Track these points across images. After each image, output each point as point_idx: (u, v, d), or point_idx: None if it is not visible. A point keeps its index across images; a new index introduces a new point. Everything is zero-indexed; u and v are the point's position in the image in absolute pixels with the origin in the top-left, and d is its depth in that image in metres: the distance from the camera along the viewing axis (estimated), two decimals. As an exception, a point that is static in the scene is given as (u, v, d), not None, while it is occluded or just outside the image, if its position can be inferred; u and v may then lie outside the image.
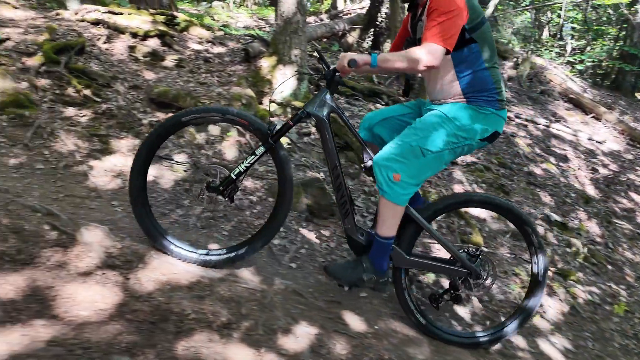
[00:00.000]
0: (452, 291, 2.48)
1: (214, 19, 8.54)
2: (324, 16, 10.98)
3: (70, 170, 2.88)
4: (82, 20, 4.62)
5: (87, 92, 3.51)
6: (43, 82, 3.47)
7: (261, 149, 2.31)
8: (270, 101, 3.99)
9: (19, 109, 3.17)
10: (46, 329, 1.67)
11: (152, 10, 5.27)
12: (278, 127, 2.31)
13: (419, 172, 2.16)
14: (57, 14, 4.75)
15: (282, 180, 2.35)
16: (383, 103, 5.05)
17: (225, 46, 5.12)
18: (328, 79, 2.28)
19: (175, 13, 5.50)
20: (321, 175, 3.48)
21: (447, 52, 1.99)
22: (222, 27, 6.44)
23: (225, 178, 2.33)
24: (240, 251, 2.37)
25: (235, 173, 2.31)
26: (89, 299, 1.90)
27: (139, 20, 4.82)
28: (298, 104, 4.03)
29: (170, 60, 4.39)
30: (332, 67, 2.30)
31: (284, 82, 4.01)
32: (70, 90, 3.47)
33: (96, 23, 4.60)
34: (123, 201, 2.73)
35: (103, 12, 4.81)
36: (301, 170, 3.51)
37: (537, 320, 2.98)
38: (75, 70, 3.66)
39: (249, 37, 5.41)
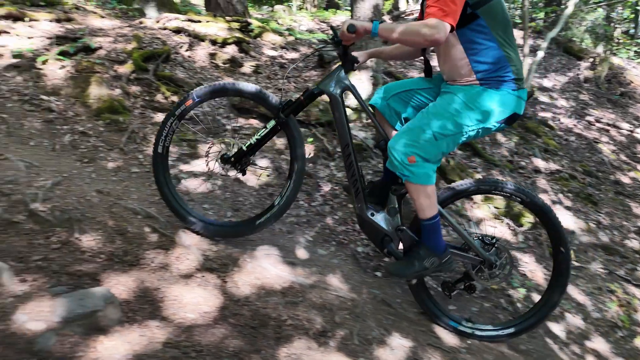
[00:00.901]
0: (465, 280, 2.40)
1: (278, 23, 8.66)
2: (386, 17, 10.89)
3: (163, 174, 3.00)
4: (164, 29, 4.82)
5: (175, 98, 3.66)
6: (134, 89, 3.65)
7: (272, 123, 2.32)
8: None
9: (114, 115, 3.36)
10: (160, 330, 1.74)
11: (227, 18, 5.42)
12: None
13: (433, 153, 2.12)
14: (141, 23, 4.99)
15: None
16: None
17: (297, 51, 5.18)
18: (341, 56, 2.24)
19: (249, 20, 5.63)
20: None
21: (452, 29, 1.91)
22: (290, 32, 6.52)
23: (238, 150, 2.37)
24: (289, 183, 2.41)
25: (247, 146, 2.35)
26: (193, 301, 1.96)
27: (216, 27, 4.98)
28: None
29: (248, 67, 4.50)
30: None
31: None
32: (159, 97, 3.64)
33: (177, 31, 4.79)
34: (214, 204, 2.82)
35: (183, 20, 5.01)
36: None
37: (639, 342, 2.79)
38: (162, 77, 3.83)
39: (321, 43, 5.43)
